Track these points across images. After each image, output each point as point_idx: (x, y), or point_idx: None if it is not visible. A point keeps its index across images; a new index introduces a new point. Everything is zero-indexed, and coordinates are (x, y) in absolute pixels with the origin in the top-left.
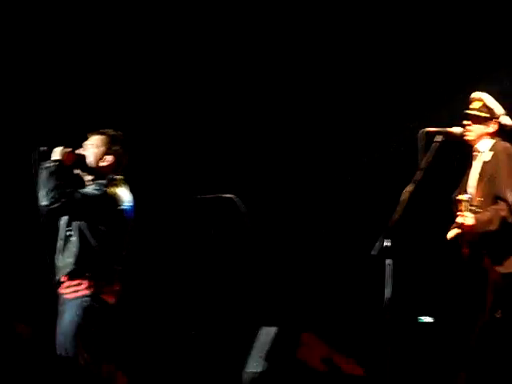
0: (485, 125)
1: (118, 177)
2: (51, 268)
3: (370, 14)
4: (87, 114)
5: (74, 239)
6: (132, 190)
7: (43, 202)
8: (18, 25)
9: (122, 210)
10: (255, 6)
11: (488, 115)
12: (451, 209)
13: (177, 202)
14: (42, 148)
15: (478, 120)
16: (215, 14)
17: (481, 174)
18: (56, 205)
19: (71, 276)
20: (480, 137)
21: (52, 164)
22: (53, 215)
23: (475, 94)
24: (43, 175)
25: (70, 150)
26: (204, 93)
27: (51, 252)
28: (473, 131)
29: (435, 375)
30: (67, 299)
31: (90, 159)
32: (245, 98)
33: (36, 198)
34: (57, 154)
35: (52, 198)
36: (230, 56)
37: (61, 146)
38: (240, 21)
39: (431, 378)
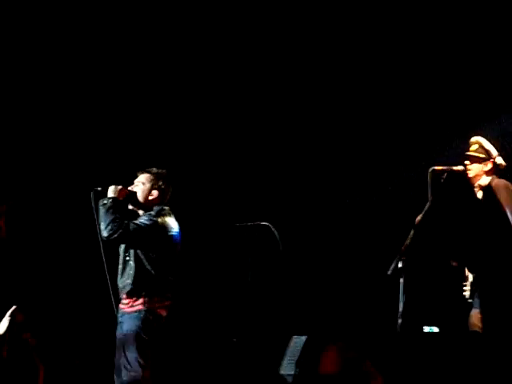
0: (482, 164)
1: (165, 207)
2: (113, 288)
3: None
4: (135, 155)
5: (131, 263)
6: (178, 219)
7: (104, 233)
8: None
9: (171, 236)
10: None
11: (485, 156)
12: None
13: (218, 229)
14: (98, 188)
15: (476, 160)
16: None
17: (484, 207)
18: (115, 236)
19: (130, 294)
20: (479, 175)
21: (108, 201)
22: (112, 244)
23: (473, 139)
24: (102, 211)
25: (121, 187)
26: (237, 128)
27: (111, 275)
28: (472, 170)
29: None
30: (126, 312)
31: (139, 194)
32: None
33: (95, 230)
34: (111, 191)
35: (110, 229)
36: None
37: (114, 184)
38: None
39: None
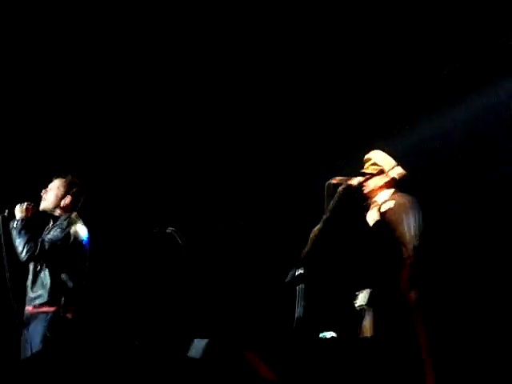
0: (378, 178)
1: (72, 215)
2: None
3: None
4: (49, 161)
5: (43, 274)
6: (87, 225)
7: (22, 256)
8: None
9: (82, 243)
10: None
11: (377, 171)
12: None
13: (126, 235)
14: (4, 213)
15: (370, 177)
16: None
17: (379, 221)
18: (32, 255)
19: (42, 305)
20: (377, 189)
21: (18, 223)
22: (31, 262)
23: (367, 155)
24: (14, 234)
25: (26, 204)
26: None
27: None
28: (368, 186)
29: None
30: (33, 314)
31: (52, 199)
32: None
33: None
34: (18, 212)
35: (27, 251)
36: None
37: (21, 201)
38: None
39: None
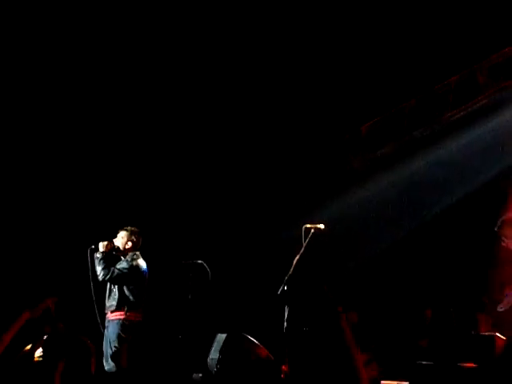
0: None
1: (137, 252)
2: (98, 307)
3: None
4: (115, 218)
5: (115, 291)
6: (145, 259)
7: (99, 278)
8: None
9: (142, 272)
10: None
11: None
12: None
13: (169, 265)
14: (92, 246)
15: None
16: None
17: None
18: (105, 279)
19: (113, 311)
20: None
21: (100, 255)
22: (105, 282)
23: None
24: (96, 262)
25: (107, 242)
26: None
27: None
28: None
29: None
30: (111, 320)
31: (120, 245)
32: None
33: (90, 270)
34: (101, 247)
35: (103, 275)
36: None
37: (103, 240)
38: None
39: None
